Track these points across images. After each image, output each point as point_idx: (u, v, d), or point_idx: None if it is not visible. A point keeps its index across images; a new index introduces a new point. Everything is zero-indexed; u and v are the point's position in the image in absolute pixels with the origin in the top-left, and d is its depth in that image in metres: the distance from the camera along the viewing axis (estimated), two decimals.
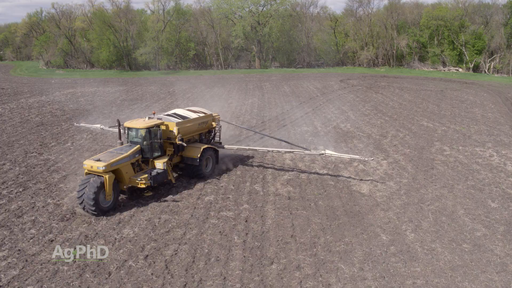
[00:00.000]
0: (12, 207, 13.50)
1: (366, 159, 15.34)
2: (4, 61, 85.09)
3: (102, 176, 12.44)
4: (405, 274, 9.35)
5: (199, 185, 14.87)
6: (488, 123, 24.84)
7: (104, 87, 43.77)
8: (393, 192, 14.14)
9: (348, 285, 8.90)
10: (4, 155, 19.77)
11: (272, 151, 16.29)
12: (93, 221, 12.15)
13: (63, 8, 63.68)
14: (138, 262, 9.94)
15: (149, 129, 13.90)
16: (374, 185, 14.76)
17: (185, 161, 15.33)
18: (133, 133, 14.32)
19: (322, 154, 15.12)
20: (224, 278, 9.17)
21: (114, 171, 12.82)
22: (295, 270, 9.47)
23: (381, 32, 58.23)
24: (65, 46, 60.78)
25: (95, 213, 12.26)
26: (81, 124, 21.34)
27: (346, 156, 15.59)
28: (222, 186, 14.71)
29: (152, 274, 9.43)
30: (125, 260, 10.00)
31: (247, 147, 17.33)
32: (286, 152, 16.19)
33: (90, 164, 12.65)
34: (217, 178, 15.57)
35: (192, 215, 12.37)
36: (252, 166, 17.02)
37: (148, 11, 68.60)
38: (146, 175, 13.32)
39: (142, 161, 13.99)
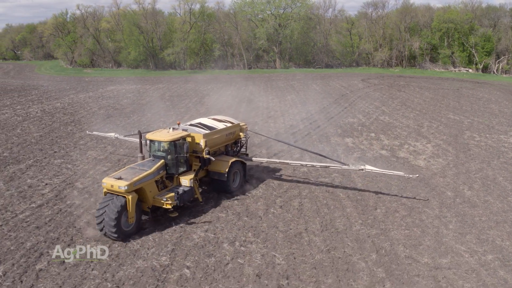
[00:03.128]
0: None
1: (411, 175, 14.76)
2: (22, 61, 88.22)
3: (124, 197, 11.53)
4: (471, 214, 13.40)
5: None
6: (506, 117, 29.08)
7: (143, 84, 47.50)
8: (444, 165, 18.24)
9: (435, 220, 12.92)
10: (99, 140, 23.33)
11: (306, 165, 15.93)
12: None
13: (87, 10, 67.31)
14: (276, 210, 13.83)
15: (174, 142, 12.98)
16: (427, 160, 18.85)
17: (211, 176, 14.62)
18: (156, 146, 13.41)
19: (362, 169, 14.38)
20: (347, 218, 13.12)
21: (137, 190, 11.88)
22: (394, 212, 13.48)
23: (394, 34, 62.62)
24: (92, 45, 64.36)
25: (116, 236, 11.50)
26: (94, 133, 21.24)
27: (388, 172, 14.77)
28: (309, 160, 18.66)
29: (292, 216, 13.32)
30: (266, 209, 13.88)
31: (277, 160, 16.82)
32: (321, 166, 15.70)
33: (110, 182, 11.65)
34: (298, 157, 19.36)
35: (297, 181, 16.33)
36: (324, 150, 20.95)
37: (166, 12, 72.60)
38: (173, 194, 12.47)
39: (166, 177, 13.13)
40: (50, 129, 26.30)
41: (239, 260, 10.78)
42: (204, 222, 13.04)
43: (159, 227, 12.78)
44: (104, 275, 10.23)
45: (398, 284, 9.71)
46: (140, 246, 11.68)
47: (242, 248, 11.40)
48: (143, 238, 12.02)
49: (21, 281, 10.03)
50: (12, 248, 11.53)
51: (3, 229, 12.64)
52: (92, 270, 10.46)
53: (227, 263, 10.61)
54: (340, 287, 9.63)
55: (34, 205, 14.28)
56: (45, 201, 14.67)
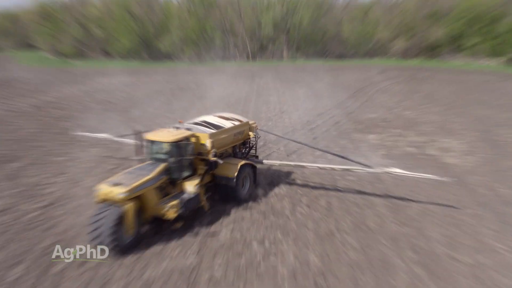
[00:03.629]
0: None
1: (443, 178, 14.54)
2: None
3: (123, 205, 11.25)
4: (509, 213, 14.21)
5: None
6: None
7: (138, 77, 48.21)
8: (476, 163, 19.07)
9: (471, 219, 13.69)
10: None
11: (324, 168, 15.69)
12: None
13: None
14: (304, 209, 14.57)
15: (177, 143, 12.77)
16: (459, 157, 19.67)
17: (218, 181, 14.33)
18: (156, 148, 13.12)
19: (388, 173, 14.36)
20: (379, 216, 13.89)
21: (137, 197, 11.62)
22: (427, 210, 14.26)
23: (413, 22, 63.46)
24: (79, 34, 64.95)
25: (115, 250, 11.32)
26: (85, 133, 20.91)
27: (418, 175, 14.19)
28: (330, 160, 19.40)
29: (321, 215, 14.06)
30: (293, 208, 14.62)
31: (292, 163, 16.73)
32: (342, 170, 15.49)
33: (106, 189, 11.37)
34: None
35: (322, 179, 17.11)
36: (346, 147, 21.75)
37: None
38: (177, 201, 12.20)
39: (168, 182, 12.92)
40: (45, 125, 26.99)
41: (271, 259, 11.51)
42: (228, 222, 13.75)
43: (180, 228, 13.45)
44: (130, 275, 10.93)
45: (440, 282, 10.46)
46: (163, 247, 12.36)
47: (273, 247, 12.13)
48: (165, 238, 12.67)
49: (45, 280, 10.71)
50: (28, 248, 12.18)
51: (16, 228, 13.31)
52: (117, 270, 11.16)
53: (259, 263, 11.33)
54: (379, 285, 10.39)
55: (44, 204, 14.95)
56: (54, 199, 15.36)
